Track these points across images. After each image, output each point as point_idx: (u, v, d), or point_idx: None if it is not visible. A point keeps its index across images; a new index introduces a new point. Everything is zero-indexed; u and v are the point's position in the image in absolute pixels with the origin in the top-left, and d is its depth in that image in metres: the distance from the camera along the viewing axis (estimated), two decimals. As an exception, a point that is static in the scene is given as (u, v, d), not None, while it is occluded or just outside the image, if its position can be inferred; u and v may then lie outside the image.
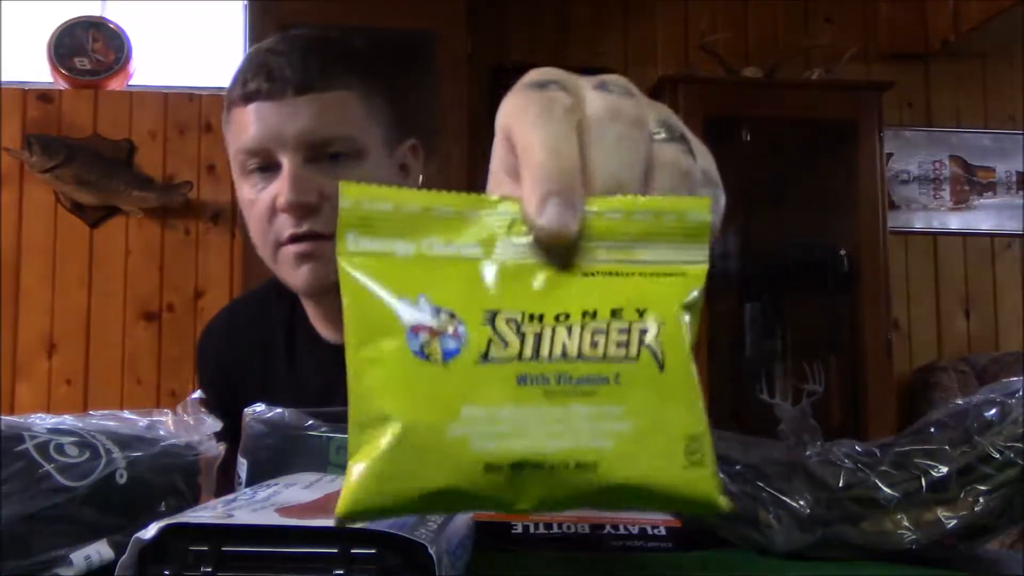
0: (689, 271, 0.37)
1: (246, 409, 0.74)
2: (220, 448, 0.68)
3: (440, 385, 0.34)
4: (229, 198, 3.07)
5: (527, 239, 0.36)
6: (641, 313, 0.35)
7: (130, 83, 3.11)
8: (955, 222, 3.51)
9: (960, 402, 0.67)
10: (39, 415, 0.59)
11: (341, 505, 0.34)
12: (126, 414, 0.65)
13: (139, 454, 0.60)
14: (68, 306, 3.00)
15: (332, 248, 0.85)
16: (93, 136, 3.04)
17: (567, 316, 0.35)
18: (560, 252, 0.36)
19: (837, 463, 0.67)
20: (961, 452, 0.64)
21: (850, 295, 3.17)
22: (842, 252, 3.19)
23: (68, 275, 3.01)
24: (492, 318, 0.35)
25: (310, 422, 0.72)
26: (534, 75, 0.39)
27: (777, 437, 0.76)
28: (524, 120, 0.37)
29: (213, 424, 0.68)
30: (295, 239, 0.93)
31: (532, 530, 0.70)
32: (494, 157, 0.39)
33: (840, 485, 0.66)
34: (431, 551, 0.43)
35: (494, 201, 0.37)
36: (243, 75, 0.94)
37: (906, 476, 0.65)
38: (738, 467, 0.70)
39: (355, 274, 0.36)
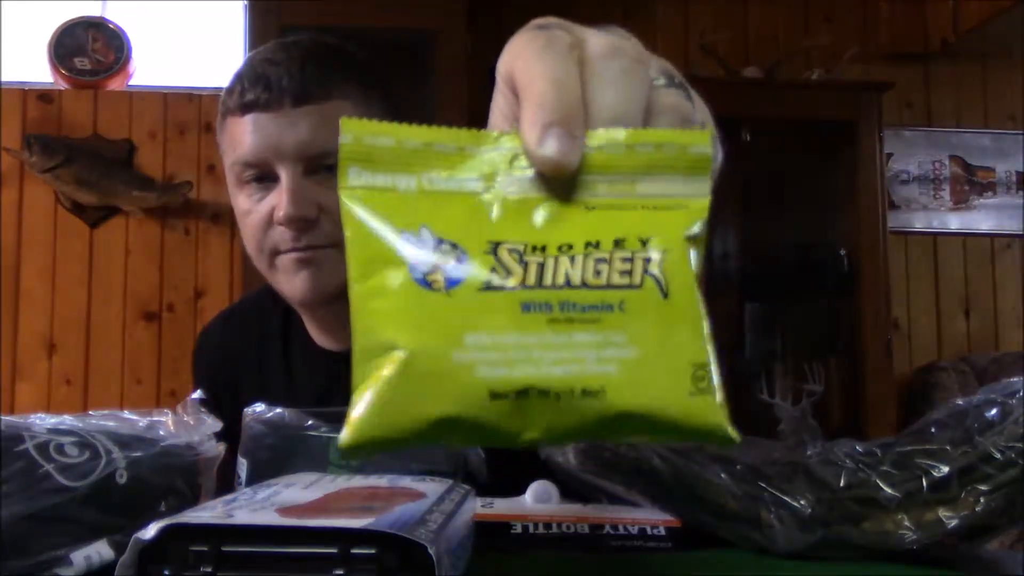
0: (692, 204, 0.37)
1: (246, 409, 0.74)
2: (220, 448, 0.68)
3: (444, 313, 0.34)
4: (229, 198, 3.07)
5: (529, 173, 0.36)
6: (644, 243, 0.35)
7: (130, 83, 3.11)
8: (955, 222, 3.51)
9: (961, 402, 0.67)
10: (39, 415, 0.59)
11: (346, 435, 0.34)
12: (126, 414, 0.65)
13: (139, 454, 0.60)
14: (68, 306, 3.00)
15: (329, 257, 0.85)
16: (93, 136, 3.04)
17: (570, 247, 0.35)
18: (561, 184, 0.36)
19: (838, 463, 0.67)
20: (962, 452, 0.64)
21: (850, 295, 3.17)
22: (842, 252, 3.19)
23: (68, 275, 3.01)
24: (495, 248, 0.35)
25: (310, 422, 0.72)
26: (537, 20, 0.40)
27: (777, 437, 0.76)
28: (526, 56, 0.37)
29: (213, 424, 0.68)
30: (292, 250, 0.92)
31: (532, 530, 0.69)
32: (493, 107, 0.39)
33: (841, 485, 0.66)
34: (431, 551, 0.42)
35: (495, 136, 0.37)
36: (240, 84, 0.92)
37: (907, 476, 0.65)
38: (738, 467, 0.70)
39: (357, 208, 0.36)
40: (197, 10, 3.17)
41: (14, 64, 3.07)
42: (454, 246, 0.35)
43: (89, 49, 3.05)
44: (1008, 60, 3.50)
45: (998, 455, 0.63)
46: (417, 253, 0.35)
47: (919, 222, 3.49)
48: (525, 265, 0.35)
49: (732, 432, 0.36)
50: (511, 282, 0.34)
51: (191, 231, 3.06)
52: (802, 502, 0.66)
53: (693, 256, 0.36)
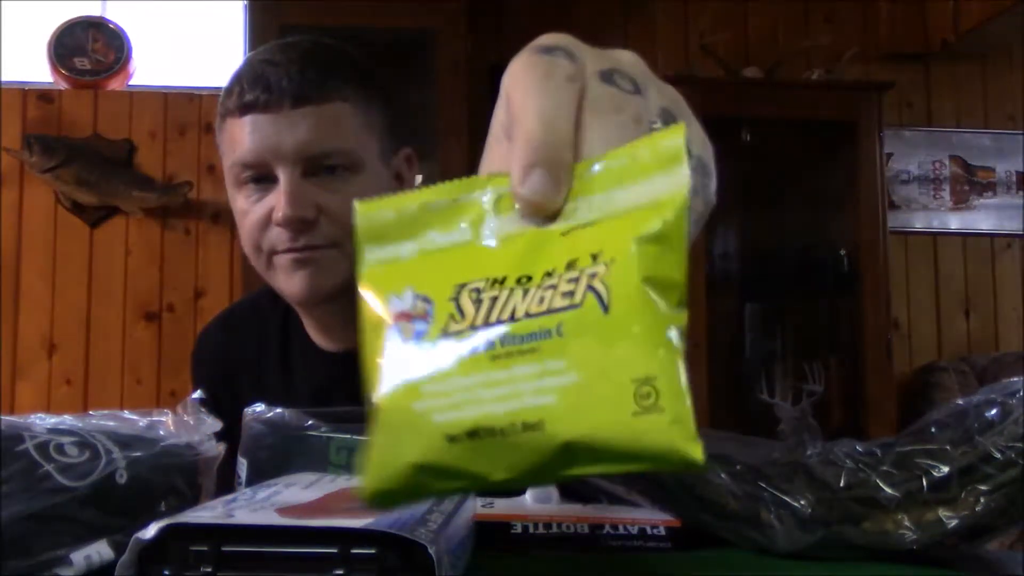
0: (663, 200, 0.34)
1: (246, 409, 0.74)
2: (220, 448, 0.68)
3: (409, 365, 0.35)
4: (229, 198, 3.07)
5: (515, 210, 0.36)
6: (595, 257, 0.34)
7: (130, 83, 3.11)
8: (955, 222, 3.51)
9: (961, 402, 0.67)
10: (39, 415, 0.59)
11: (363, 490, 0.36)
12: (126, 414, 0.65)
13: (139, 454, 0.60)
14: (68, 306, 3.00)
15: (327, 257, 0.84)
16: (93, 136, 3.04)
17: (529, 278, 0.35)
18: (543, 219, 0.36)
19: (838, 463, 0.67)
20: (962, 452, 0.64)
21: (850, 295, 3.17)
22: (842, 252, 3.19)
23: (68, 275, 3.01)
24: (458, 293, 0.35)
25: (310, 422, 0.72)
26: (543, 39, 0.39)
27: (777, 437, 0.76)
28: (523, 86, 0.37)
29: (213, 424, 0.68)
30: (290, 250, 0.92)
31: (532, 530, 0.69)
32: (495, 119, 0.39)
33: (841, 485, 0.66)
34: (431, 551, 0.42)
35: (484, 180, 0.37)
36: (239, 85, 0.92)
37: (907, 476, 0.65)
38: (738, 467, 0.70)
39: (363, 288, 0.38)
40: (197, 10, 3.17)
41: (14, 64, 3.07)
42: (425, 299, 0.36)
43: (89, 49, 3.05)
44: (1008, 60, 3.50)
45: (998, 455, 0.63)
46: (396, 312, 0.36)
47: (919, 222, 3.49)
48: (479, 304, 0.35)
49: (691, 452, 0.33)
50: (463, 325, 0.35)
51: (191, 231, 3.06)
52: (802, 502, 0.66)
53: (652, 258, 0.33)
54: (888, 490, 0.64)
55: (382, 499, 0.36)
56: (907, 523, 0.63)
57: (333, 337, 1.03)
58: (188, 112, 3.09)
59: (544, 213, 0.35)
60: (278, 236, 0.92)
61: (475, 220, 0.37)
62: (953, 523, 0.62)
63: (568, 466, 0.33)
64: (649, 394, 0.32)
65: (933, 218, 3.50)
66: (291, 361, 1.07)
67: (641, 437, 0.32)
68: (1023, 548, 0.71)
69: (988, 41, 3.30)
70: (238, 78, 0.93)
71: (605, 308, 0.33)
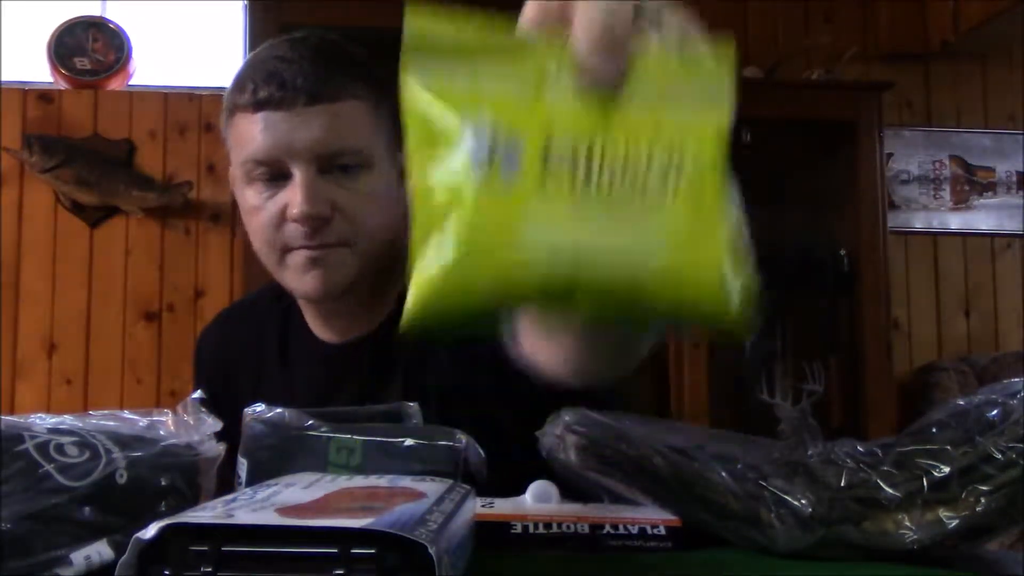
0: (721, 106, 0.41)
1: (246, 409, 0.74)
2: (220, 448, 0.68)
3: (499, 201, 0.37)
4: (229, 198, 3.06)
5: (577, 78, 0.39)
6: (678, 141, 0.39)
7: (130, 83, 3.11)
8: (955, 222, 3.51)
9: (961, 402, 0.67)
10: (39, 415, 0.59)
11: (406, 318, 0.37)
12: (126, 414, 0.65)
13: (139, 454, 0.60)
14: (68, 306, 2.99)
15: (339, 255, 0.85)
16: (93, 136, 3.03)
17: (614, 142, 0.38)
18: (606, 91, 0.39)
19: (838, 463, 0.67)
20: (963, 452, 0.64)
21: (850, 295, 3.17)
22: (842, 252, 3.19)
23: (68, 275, 3.00)
24: (547, 142, 0.38)
25: (310, 422, 0.72)
26: None
27: (777, 437, 0.76)
28: None
29: (213, 424, 0.68)
30: (304, 248, 0.92)
31: (532, 530, 0.69)
32: (524, 13, 0.41)
33: (841, 485, 0.66)
34: (431, 551, 0.42)
35: (548, 41, 0.40)
36: (251, 81, 0.92)
37: (908, 476, 0.65)
38: (739, 466, 0.70)
39: (418, 96, 0.39)
40: (197, 10, 3.17)
41: (14, 64, 3.07)
42: (509, 136, 0.38)
43: (89, 49, 3.05)
44: (1008, 60, 3.50)
45: (999, 455, 0.63)
46: (476, 143, 0.38)
47: (919, 222, 3.49)
48: (574, 159, 0.38)
49: (746, 319, 0.40)
50: (561, 173, 0.37)
51: (191, 231, 3.06)
52: (803, 502, 0.66)
53: (720, 148, 0.40)
54: (888, 490, 0.64)
55: (431, 321, 0.37)
56: (907, 523, 0.63)
57: (335, 330, 1.03)
58: (188, 112, 3.09)
59: (607, 85, 0.39)
60: (293, 233, 0.92)
61: (539, 73, 0.39)
62: (953, 523, 0.62)
63: (649, 312, 0.39)
64: (727, 265, 0.40)
65: (933, 218, 3.50)
66: (291, 355, 1.07)
67: (717, 298, 0.40)
68: (1023, 548, 0.71)
69: (988, 41, 3.30)
70: (249, 74, 0.93)
71: (693, 187, 0.39)
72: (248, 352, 1.10)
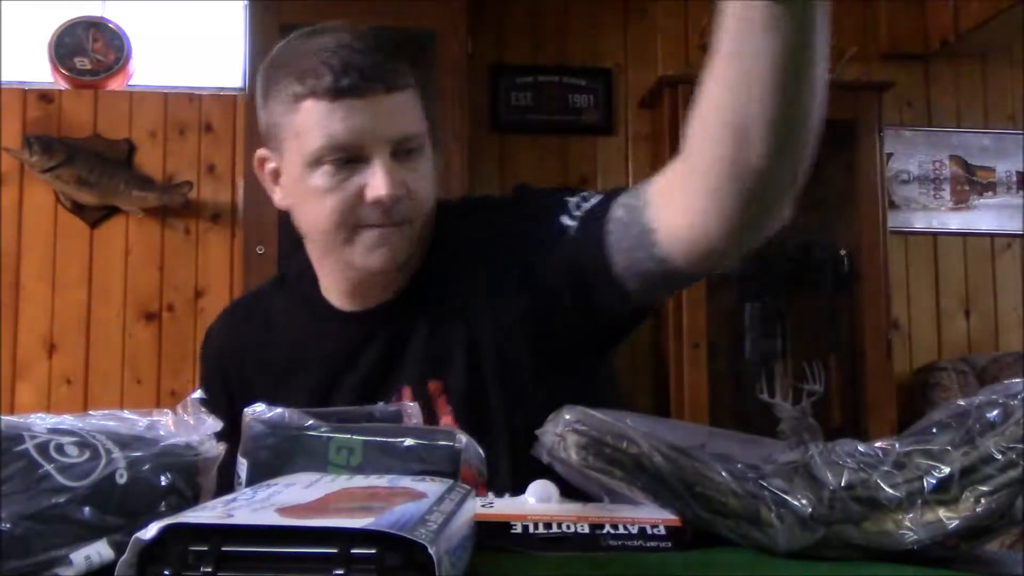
0: None
1: (246, 409, 0.74)
2: (220, 448, 0.68)
3: None
4: (229, 198, 3.07)
5: None
6: None
7: (130, 83, 3.11)
8: (955, 222, 3.51)
9: (962, 403, 0.67)
10: (39, 415, 0.59)
11: None
12: (126, 414, 0.65)
13: (139, 454, 0.60)
14: (68, 306, 2.99)
15: (403, 232, 0.96)
16: (93, 136, 3.03)
17: None
18: None
19: (838, 463, 0.67)
20: (963, 453, 0.64)
21: (850, 295, 3.17)
22: (842, 252, 3.19)
23: (68, 275, 3.00)
24: None
25: (310, 422, 0.72)
26: None
27: (777, 437, 0.76)
28: None
29: (213, 424, 0.68)
30: (380, 225, 0.99)
31: (532, 530, 0.69)
32: None
33: (842, 485, 0.66)
34: (431, 551, 0.42)
35: None
36: (325, 70, 0.96)
37: (908, 476, 0.65)
38: (739, 466, 0.70)
39: None
40: (197, 10, 3.16)
41: (14, 64, 3.06)
42: None
43: (89, 49, 3.05)
44: (1008, 60, 3.50)
45: (999, 456, 0.63)
46: None
47: (919, 222, 3.49)
48: None
49: None
50: None
51: (191, 231, 3.06)
52: (803, 501, 0.66)
53: None
54: (889, 490, 0.64)
55: None
56: (908, 523, 0.63)
57: (359, 299, 1.09)
58: (188, 112, 3.09)
59: None
60: (369, 213, 0.99)
61: None
62: (954, 523, 0.62)
63: None
64: None
65: (933, 218, 3.50)
66: (303, 328, 1.12)
67: None
68: (1023, 548, 0.71)
69: (988, 41, 3.29)
70: (318, 63, 0.97)
71: None
72: (255, 339, 1.14)
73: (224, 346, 1.18)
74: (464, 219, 1.10)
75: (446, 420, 1.02)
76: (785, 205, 0.90)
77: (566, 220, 0.99)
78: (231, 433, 1.06)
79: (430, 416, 1.01)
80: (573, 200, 1.01)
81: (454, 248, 1.07)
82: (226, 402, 1.09)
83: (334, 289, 1.11)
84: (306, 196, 1.02)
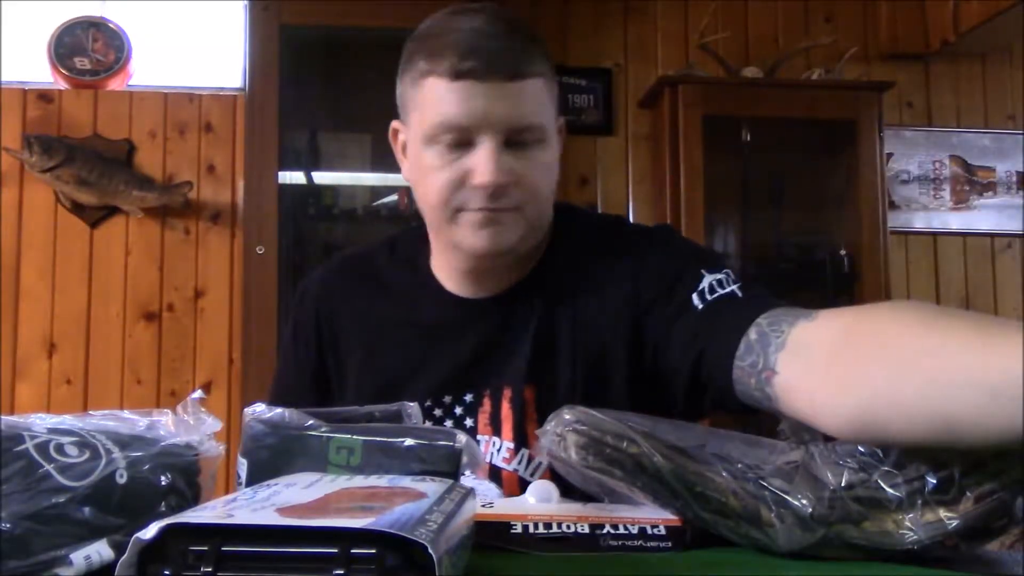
0: None
1: (246, 409, 0.74)
2: (220, 448, 0.68)
3: None
4: (229, 198, 3.07)
5: None
6: None
7: (130, 83, 3.11)
8: (955, 222, 3.51)
9: (961, 402, 0.67)
10: (39, 415, 0.59)
11: None
12: (126, 414, 0.65)
13: (139, 454, 0.60)
14: (68, 306, 2.99)
15: (510, 218, 0.96)
16: (93, 136, 3.03)
17: None
18: None
19: (839, 463, 0.67)
20: (963, 453, 0.64)
21: (850, 295, 3.17)
22: (842, 252, 3.19)
23: (68, 275, 3.00)
24: None
25: (310, 422, 0.72)
26: None
27: (777, 437, 0.76)
28: None
29: (213, 424, 0.68)
30: (482, 209, 1.00)
31: (532, 530, 0.69)
32: None
33: (842, 485, 0.66)
34: (431, 551, 0.42)
35: None
36: (452, 50, 0.97)
37: (908, 476, 0.65)
38: (739, 466, 0.70)
39: None
40: (197, 10, 3.17)
41: (14, 64, 3.06)
42: None
43: (89, 49, 3.05)
44: (1008, 60, 3.50)
45: (999, 456, 0.63)
46: None
47: (919, 222, 3.49)
48: None
49: None
50: None
51: (191, 231, 3.06)
52: (803, 501, 0.66)
53: None
54: (889, 490, 0.64)
55: None
56: (908, 523, 0.63)
57: (471, 286, 1.10)
58: (188, 112, 3.09)
59: None
60: (472, 196, 0.99)
61: None
62: (954, 523, 0.62)
63: None
64: None
65: (933, 218, 3.50)
66: (415, 299, 1.13)
67: None
68: (1023, 548, 0.71)
69: (988, 41, 3.29)
70: (448, 43, 0.98)
71: None
72: (362, 293, 1.15)
73: (323, 295, 1.17)
74: (595, 231, 1.11)
75: (533, 428, 1.02)
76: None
77: (695, 299, 0.98)
78: (315, 384, 1.13)
79: (521, 419, 1.03)
80: (708, 279, 0.99)
81: (577, 257, 1.08)
82: (315, 348, 1.13)
83: (445, 268, 1.12)
84: (422, 172, 1.03)
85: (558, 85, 1.07)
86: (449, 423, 1.05)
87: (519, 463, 1.03)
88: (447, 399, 1.06)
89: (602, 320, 1.04)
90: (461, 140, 0.98)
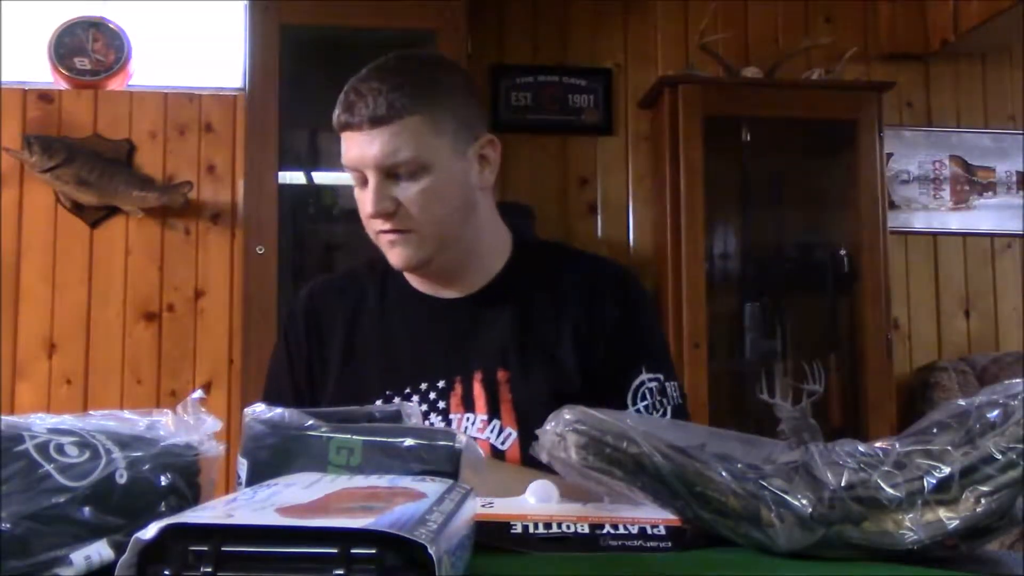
0: None
1: (246, 409, 0.74)
2: (220, 448, 0.68)
3: None
4: (229, 198, 3.07)
5: None
6: None
7: (130, 83, 3.11)
8: (955, 222, 3.51)
9: (962, 403, 0.67)
10: (39, 415, 0.59)
11: None
12: (126, 414, 0.65)
13: (139, 454, 0.60)
14: (68, 306, 2.99)
15: (408, 238, 1.20)
16: (93, 136, 3.03)
17: None
18: None
19: (839, 463, 0.67)
20: (963, 453, 0.64)
21: (850, 295, 3.17)
22: (842, 252, 3.19)
23: (68, 275, 3.00)
24: None
25: (310, 422, 0.72)
26: None
27: (777, 437, 0.76)
28: None
29: (213, 424, 0.68)
30: (383, 232, 1.18)
31: (532, 530, 0.69)
32: None
33: (842, 485, 0.66)
34: (431, 551, 0.42)
35: None
36: (340, 107, 1.15)
37: (908, 476, 0.65)
38: (739, 466, 0.70)
39: None
40: (197, 10, 3.17)
41: (14, 64, 3.06)
42: None
43: (89, 49, 3.05)
44: (1008, 60, 3.50)
45: (999, 456, 0.63)
46: None
47: (919, 222, 3.49)
48: None
49: None
50: None
51: (191, 231, 3.06)
52: (803, 501, 0.66)
53: None
54: (889, 490, 0.64)
55: None
56: (908, 523, 0.63)
57: (441, 288, 1.27)
58: (188, 112, 3.09)
59: None
60: (374, 222, 1.18)
61: None
62: (954, 523, 0.62)
63: None
64: None
65: (933, 218, 3.50)
66: (389, 306, 1.29)
67: None
68: (1023, 548, 0.71)
69: (988, 41, 3.29)
70: (341, 99, 1.16)
71: None
72: (344, 309, 1.29)
73: (318, 306, 1.31)
74: (560, 253, 1.31)
75: (507, 405, 1.19)
76: None
77: (628, 396, 1.19)
78: (306, 386, 1.28)
79: (494, 396, 1.19)
80: (643, 378, 1.20)
81: (541, 267, 1.26)
82: (306, 352, 1.28)
83: (409, 277, 1.29)
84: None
85: (476, 104, 1.23)
86: (424, 407, 1.19)
87: (491, 432, 1.18)
88: (423, 386, 1.21)
89: (558, 320, 1.22)
90: (361, 178, 1.17)
